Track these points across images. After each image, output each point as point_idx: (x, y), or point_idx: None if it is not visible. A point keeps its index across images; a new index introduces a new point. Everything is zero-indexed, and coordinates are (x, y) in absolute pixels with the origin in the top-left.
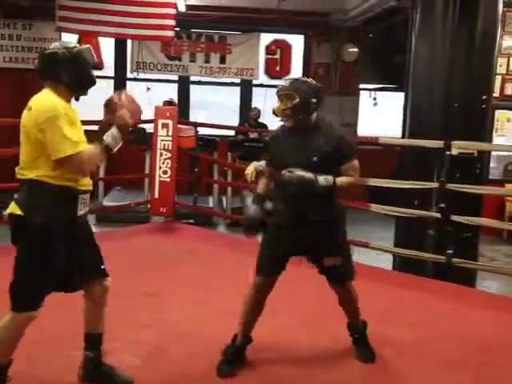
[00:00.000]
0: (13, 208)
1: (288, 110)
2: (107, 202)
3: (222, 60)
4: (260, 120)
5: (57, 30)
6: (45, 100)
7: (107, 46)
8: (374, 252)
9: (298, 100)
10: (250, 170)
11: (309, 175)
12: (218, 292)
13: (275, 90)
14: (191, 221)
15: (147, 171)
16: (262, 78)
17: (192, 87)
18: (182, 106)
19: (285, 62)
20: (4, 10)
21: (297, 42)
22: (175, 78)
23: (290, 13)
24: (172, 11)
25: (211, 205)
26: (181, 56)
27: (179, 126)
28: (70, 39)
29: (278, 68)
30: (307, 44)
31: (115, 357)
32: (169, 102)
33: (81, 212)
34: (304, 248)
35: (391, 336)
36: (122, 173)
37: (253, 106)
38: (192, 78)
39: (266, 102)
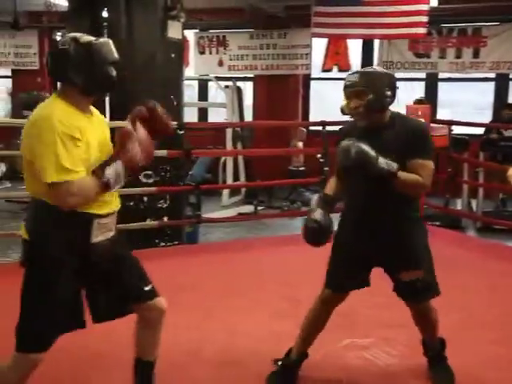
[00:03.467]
0: (22, 231)
1: (361, 108)
2: None
3: (476, 54)
4: None
5: (312, 36)
6: (40, 109)
7: (355, 48)
8: None
9: (371, 96)
10: None
11: (370, 151)
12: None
13: None
14: (437, 223)
15: None
16: None
17: (440, 85)
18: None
19: None
20: (263, 21)
21: None
22: (422, 75)
23: None
24: (425, 7)
25: (459, 207)
26: (429, 53)
27: (432, 124)
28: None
29: None
30: None
31: (370, 352)
32: (419, 101)
33: (97, 239)
34: (378, 259)
35: None
36: None
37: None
38: (440, 75)
39: None
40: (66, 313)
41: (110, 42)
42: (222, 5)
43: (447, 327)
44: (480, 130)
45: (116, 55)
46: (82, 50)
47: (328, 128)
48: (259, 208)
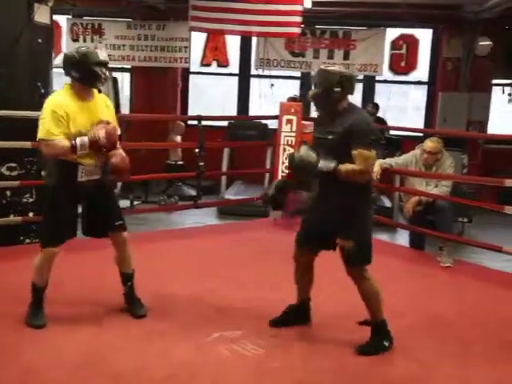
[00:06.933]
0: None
1: (311, 98)
2: (228, 195)
3: (346, 56)
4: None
5: (189, 30)
6: (50, 97)
7: (234, 44)
8: (505, 257)
9: (319, 90)
10: (376, 167)
11: (310, 157)
12: None
13: (400, 86)
14: None
15: (268, 166)
16: (386, 74)
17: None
18: (304, 102)
19: (411, 58)
20: (141, 12)
21: (424, 36)
22: (298, 74)
23: (418, 6)
24: (299, 8)
25: None
26: (304, 52)
27: (303, 122)
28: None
29: (403, 63)
30: (436, 38)
31: (239, 344)
32: (293, 99)
33: (82, 179)
34: (324, 230)
35: None
36: (244, 167)
37: (374, 102)
38: None
39: (390, 99)
40: (66, 223)
41: (98, 49)
42: None
43: None
44: None
45: (100, 58)
46: (77, 56)
47: (204, 123)
48: (135, 203)
